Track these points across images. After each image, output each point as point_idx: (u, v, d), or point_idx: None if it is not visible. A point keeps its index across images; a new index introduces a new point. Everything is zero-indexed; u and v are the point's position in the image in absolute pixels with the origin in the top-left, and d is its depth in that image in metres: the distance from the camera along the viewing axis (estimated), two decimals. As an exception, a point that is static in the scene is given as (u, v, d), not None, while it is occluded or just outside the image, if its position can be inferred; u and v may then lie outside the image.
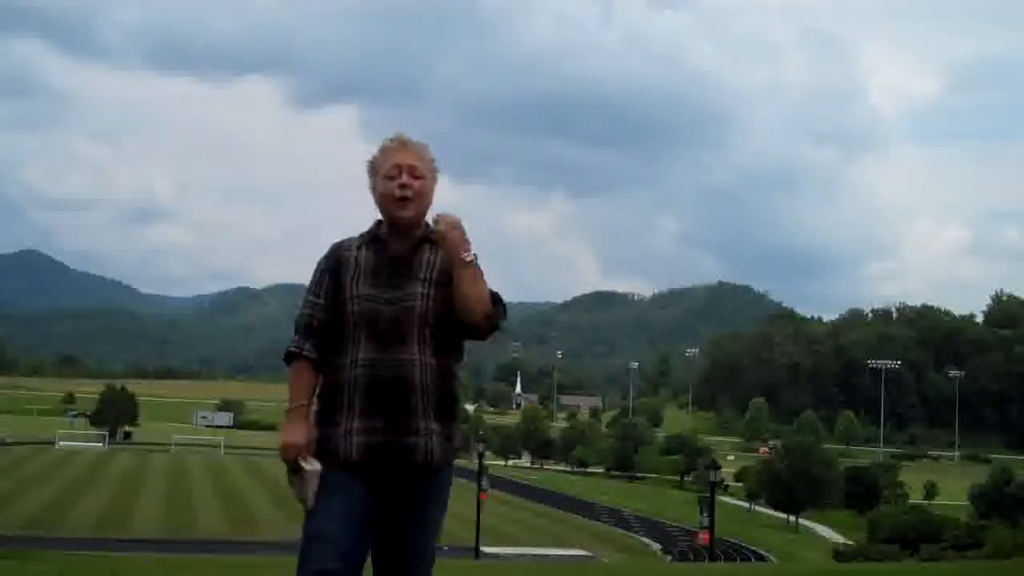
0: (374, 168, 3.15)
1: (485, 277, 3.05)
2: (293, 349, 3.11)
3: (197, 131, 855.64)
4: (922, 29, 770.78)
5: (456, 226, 3.01)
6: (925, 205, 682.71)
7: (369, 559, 3.09)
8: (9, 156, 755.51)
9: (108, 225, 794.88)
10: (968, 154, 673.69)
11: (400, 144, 3.15)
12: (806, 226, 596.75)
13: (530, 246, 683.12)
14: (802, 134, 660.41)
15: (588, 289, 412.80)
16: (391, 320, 3.00)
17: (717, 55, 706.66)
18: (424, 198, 3.12)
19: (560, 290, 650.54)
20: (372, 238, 3.15)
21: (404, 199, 3.08)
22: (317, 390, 3.11)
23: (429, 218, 3.15)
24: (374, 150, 3.21)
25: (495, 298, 3.07)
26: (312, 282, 3.16)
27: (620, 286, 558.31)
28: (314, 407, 3.11)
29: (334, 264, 3.13)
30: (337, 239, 3.24)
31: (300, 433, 3.02)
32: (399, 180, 3.07)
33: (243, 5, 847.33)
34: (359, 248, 3.14)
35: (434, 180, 3.18)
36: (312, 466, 2.99)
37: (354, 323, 3.03)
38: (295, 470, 3.02)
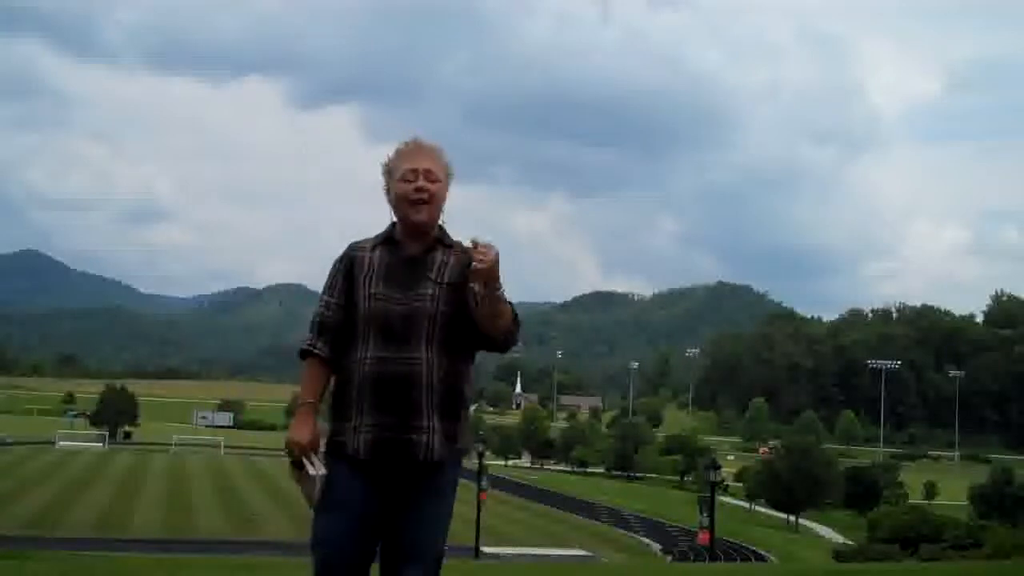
0: (389, 171, 3.18)
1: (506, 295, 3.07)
2: (306, 347, 3.17)
3: (197, 131, 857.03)
4: (922, 29, 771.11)
5: (494, 262, 2.92)
6: (925, 205, 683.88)
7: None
8: (9, 156, 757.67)
9: (108, 225, 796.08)
10: (968, 154, 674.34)
11: (416, 147, 3.19)
12: (806, 226, 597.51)
13: (530, 246, 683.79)
14: (802, 134, 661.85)
15: (588, 289, 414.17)
16: (402, 319, 3.05)
17: (717, 55, 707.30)
18: (439, 201, 3.17)
19: (560, 290, 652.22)
20: (387, 239, 3.20)
21: (420, 202, 3.11)
22: (331, 387, 3.16)
23: (465, 240, 3.14)
24: (386, 152, 3.24)
25: (514, 315, 3.10)
26: (327, 282, 3.22)
27: (620, 286, 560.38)
28: (327, 404, 3.17)
29: (348, 264, 3.19)
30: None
31: (306, 431, 3.07)
32: (415, 183, 3.11)
33: (243, 5, 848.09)
34: (373, 248, 3.19)
35: (448, 183, 3.21)
36: (317, 471, 3.02)
37: (366, 320, 3.08)
38: (299, 468, 3.06)
